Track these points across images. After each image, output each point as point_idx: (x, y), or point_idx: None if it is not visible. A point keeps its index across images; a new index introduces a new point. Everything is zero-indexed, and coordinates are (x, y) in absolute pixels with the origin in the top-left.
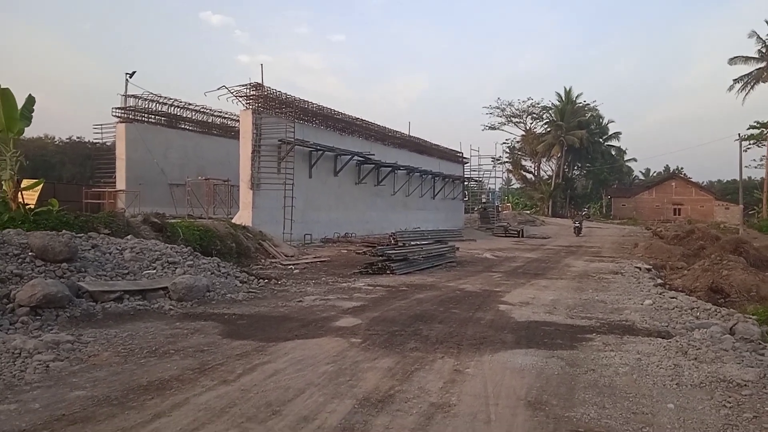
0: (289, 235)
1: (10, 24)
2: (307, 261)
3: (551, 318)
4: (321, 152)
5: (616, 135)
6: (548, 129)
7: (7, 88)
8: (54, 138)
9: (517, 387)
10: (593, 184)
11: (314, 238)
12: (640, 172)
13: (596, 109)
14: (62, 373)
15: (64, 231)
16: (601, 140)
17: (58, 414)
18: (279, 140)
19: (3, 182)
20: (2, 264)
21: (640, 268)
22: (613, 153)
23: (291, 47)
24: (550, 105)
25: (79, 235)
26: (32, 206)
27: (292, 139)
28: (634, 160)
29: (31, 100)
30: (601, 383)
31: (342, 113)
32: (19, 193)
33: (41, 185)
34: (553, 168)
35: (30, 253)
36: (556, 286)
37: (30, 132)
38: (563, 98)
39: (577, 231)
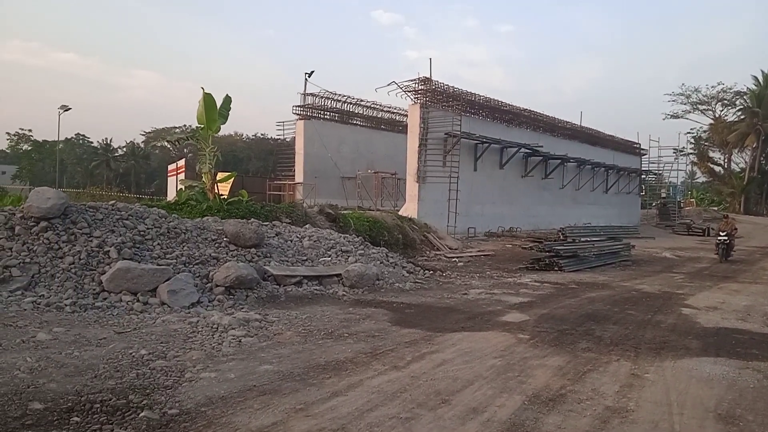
0: (453, 227)
1: (210, 33)
2: (471, 254)
3: (744, 326)
4: (486, 145)
5: None
6: (742, 116)
7: (209, 93)
8: (242, 135)
9: (705, 398)
10: None
11: (478, 231)
12: None
13: None
14: (252, 348)
15: (252, 219)
16: None
17: (249, 385)
18: (445, 133)
19: (203, 174)
20: (203, 247)
21: None
22: None
23: (457, 40)
24: (745, 90)
25: (264, 223)
26: (226, 196)
27: (458, 132)
28: None
29: (228, 100)
30: None
31: (508, 104)
32: (216, 184)
33: (233, 177)
34: (747, 160)
35: (225, 239)
36: (750, 291)
37: (223, 129)
38: (761, 82)
39: (723, 251)
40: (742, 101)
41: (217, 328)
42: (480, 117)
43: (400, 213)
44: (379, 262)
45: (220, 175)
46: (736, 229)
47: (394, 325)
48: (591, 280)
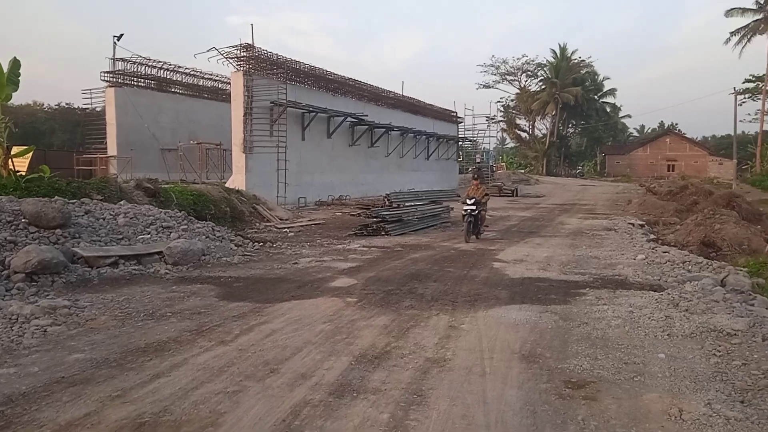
0: (283, 198)
1: None
2: (301, 224)
3: (545, 274)
4: (313, 114)
5: (612, 91)
6: (543, 87)
7: None
8: (43, 105)
9: (512, 341)
10: (588, 141)
11: (308, 201)
12: (635, 129)
13: (591, 66)
14: (60, 337)
15: (56, 197)
16: (596, 97)
17: (57, 376)
18: (271, 102)
19: None
20: None
21: (633, 225)
22: (608, 110)
23: (281, 7)
24: (545, 62)
25: (71, 201)
26: (23, 173)
27: (284, 101)
28: (629, 116)
29: (16, 64)
30: (594, 336)
31: (334, 74)
32: (10, 159)
33: (32, 152)
34: (548, 126)
35: (23, 220)
36: (550, 244)
37: (19, 99)
38: (558, 55)
39: (470, 225)
40: (543, 72)
41: (17, 319)
42: (306, 86)
43: (227, 185)
44: (204, 236)
45: (15, 150)
46: (487, 195)
47: (222, 300)
48: (415, 242)
